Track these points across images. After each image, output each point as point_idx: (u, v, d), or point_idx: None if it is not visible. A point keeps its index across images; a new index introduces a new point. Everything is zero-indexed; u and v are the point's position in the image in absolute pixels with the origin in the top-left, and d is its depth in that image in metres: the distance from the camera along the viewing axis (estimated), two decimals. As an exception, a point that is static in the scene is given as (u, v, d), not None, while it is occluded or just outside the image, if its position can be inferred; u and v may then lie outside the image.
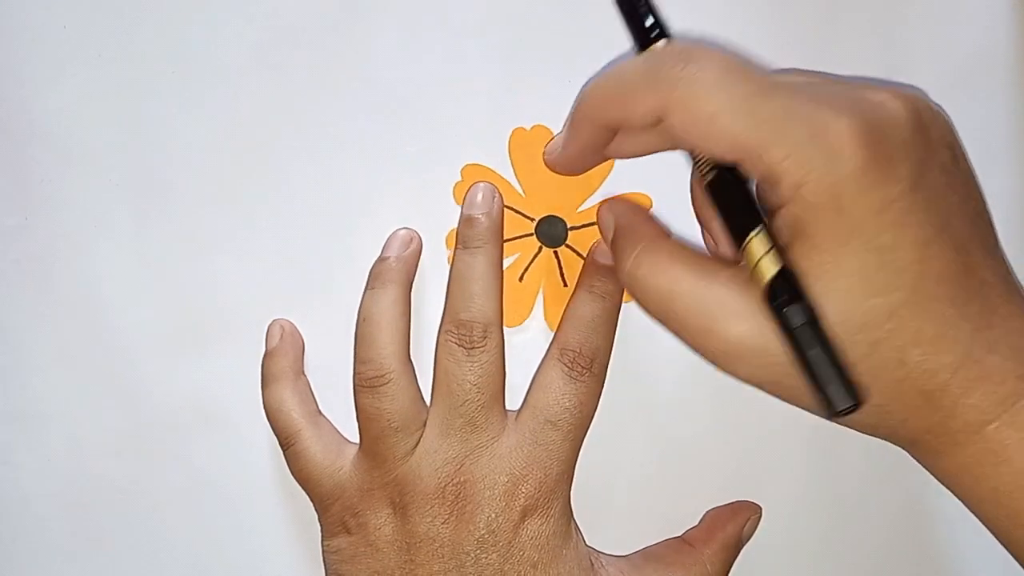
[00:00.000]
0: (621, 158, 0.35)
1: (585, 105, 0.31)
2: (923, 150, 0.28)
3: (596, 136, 0.32)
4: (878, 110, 0.28)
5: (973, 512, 0.30)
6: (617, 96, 0.30)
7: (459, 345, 0.35)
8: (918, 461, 0.31)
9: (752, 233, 0.29)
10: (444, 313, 0.36)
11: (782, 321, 0.28)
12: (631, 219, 0.33)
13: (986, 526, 0.30)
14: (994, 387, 0.28)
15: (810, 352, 0.27)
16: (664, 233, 0.32)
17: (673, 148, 0.32)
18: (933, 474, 0.30)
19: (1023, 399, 0.28)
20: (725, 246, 0.32)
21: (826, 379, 0.27)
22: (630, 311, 0.38)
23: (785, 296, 0.27)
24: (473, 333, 0.35)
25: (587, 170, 0.36)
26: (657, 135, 0.30)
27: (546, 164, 0.36)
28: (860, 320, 0.27)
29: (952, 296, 0.28)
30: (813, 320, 0.27)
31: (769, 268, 0.28)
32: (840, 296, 0.27)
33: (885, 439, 0.30)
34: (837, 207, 0.27)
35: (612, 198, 0.37)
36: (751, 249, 0.29)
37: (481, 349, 0.35)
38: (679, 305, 0.30)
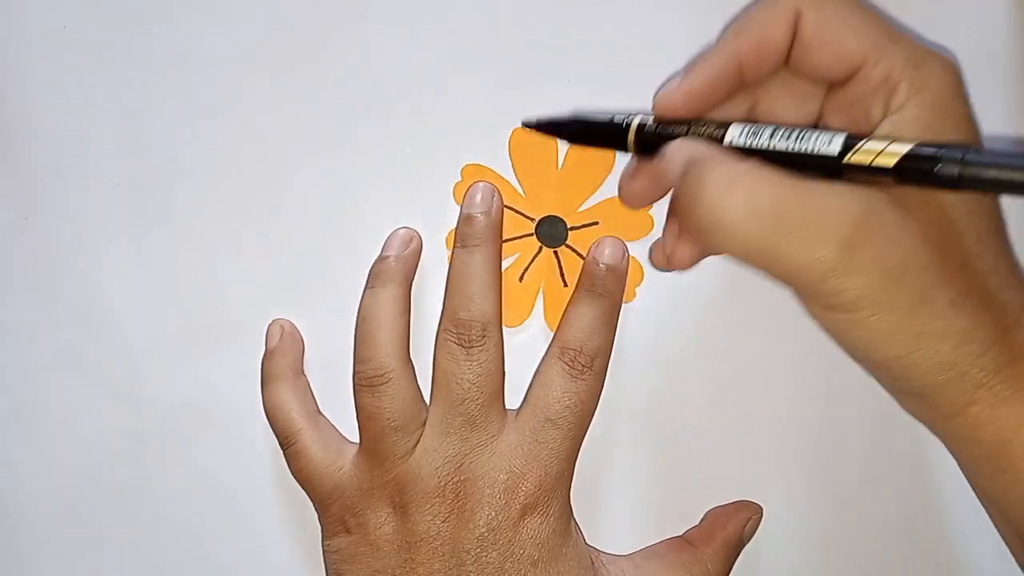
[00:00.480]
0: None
1: (727, 36, 0.32)
2: None
3: (726, 72, 0.32)
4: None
5: (1011, 478, 0.29)
6: (749, 14, 0.32)
7: (458, 344, 0.35)
8: (962, 427, 0.30)
9: (861, 142, 0.28)
10: (443, 312, 0.36)
11: (944, 172, 0.27)
12: (702, 150, 0.30)
13: (1016, 496, 0.29)
14: None
15: (996, 161, 0.26)
16: (741, 155, 0.30)
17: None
18: (979, 437, 0.29)
19: None
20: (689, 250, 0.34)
21: None
22: (630, 310, 0.38)
23: (931, 153, 0.27)
24: (472, 332, 0.35)
25: (703, 109, 0.33)
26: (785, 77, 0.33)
27: (659, 106, 0.33)
28: (958, 232, 0.29)
29: (1010, 244, 0.31)
30: (970, 150, 0.27)
31: (900, 149, 0.28)
32: (945, 202, 0.29)
33: (941, 392, 0.29)
34: (953, 115, 0.29)
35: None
36: (866, 151, 0.28)
37: (480, 348, 0.35)
38: (791, 221, 0.27)
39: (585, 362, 0.35)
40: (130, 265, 0.39)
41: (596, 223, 0.38)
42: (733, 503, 0.38)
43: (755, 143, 0.30)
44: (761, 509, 0.38)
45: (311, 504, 0.37)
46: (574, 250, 0.38)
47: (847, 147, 0.29)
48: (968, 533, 0.34)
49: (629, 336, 0.37)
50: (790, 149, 0.30)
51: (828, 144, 0.29)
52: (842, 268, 0.27)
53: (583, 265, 0.37)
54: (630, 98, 0.38)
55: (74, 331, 0.39)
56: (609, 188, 0.38)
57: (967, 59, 0.38)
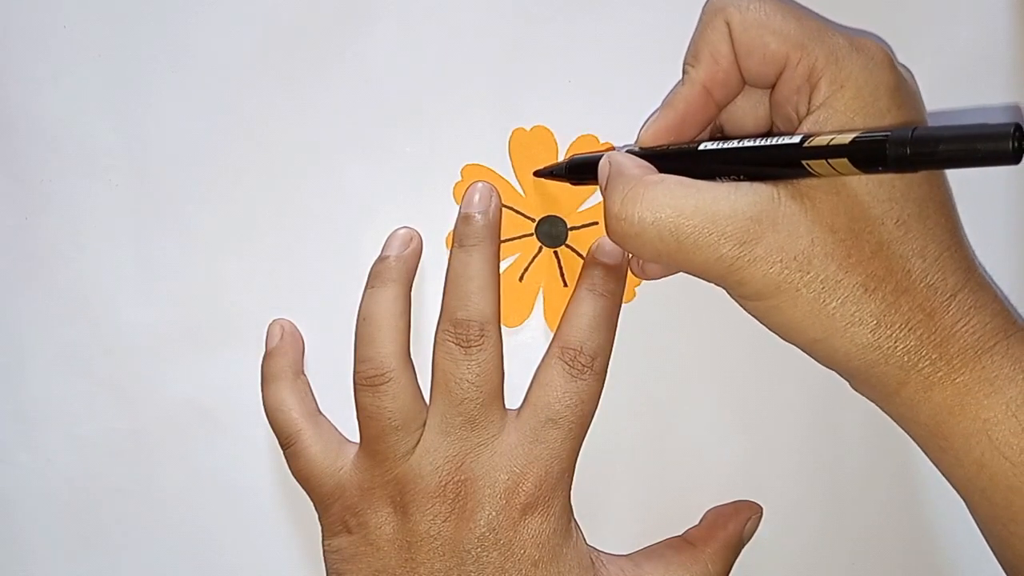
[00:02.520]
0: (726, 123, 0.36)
1: (686, 67, 0.34)
2: None
3: (696, 102, 0.34)
4: (888, 49, 0.31)
5: (951, 459, 0.30)
6: (695, 39, 0.34)
7: (456, 344, 0.35)
8: (899, 407, 0.31)
9: (808, 140, 0.29)
10: (441, 312, 0.36)
11: (894, 151, 0.26)
12: (616, 166, 0.33)
13: (960, 475, 0.30)
14: (989, 317, 0.29)
15: (948, 135, 0.25)
16: (652, 169, 0.32)
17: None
18: (915, 417, 0.30)
19: (1014, 334, 0.29)
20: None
21: (980, 136, 0.25)
22: (630, 310, 0.38)
23: (872, 137, 0.27)
24: (470, 331, 0.35)
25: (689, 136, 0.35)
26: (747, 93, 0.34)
27: (642, 142, 0.35)
28: (873, 218, 0.29)
29: (952, 229, 0.30)
30: (915, 128, 0.26)
31: (845, 138, 0.28)
32: (860, 190, 0.29)
33: (871, 373, 0.30)
34: (872, 112, 0.30)
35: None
36: (815, 145, 0.28)
37: (478, 347, 0.35)
38: (688, 227, 0.30)
39: (585, 362, 0.35)
40: (130, 265, 0.39)
41: (596, 223, 0.38)
42: (733, 503, 0.38)
43: (724, 145, 0.32)
44: (761, 509, 0.38)
45: (311, 504, 0.37)
46: (574, 250, 0.38)
47: (800, 143, 0.29)
48: (967, 532, 0.34)
49: (629, 336, 0.37)
50: (754, 144, 0.31)
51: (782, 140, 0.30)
52: (742, 263, 0.29)
53: (583, 265, 0.37)
54: (629, 98, 0.38)
55: (74, 331, 0.39)
56: (609, 188, 0.38)
57: (967, 59, 0.38)
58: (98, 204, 0.39)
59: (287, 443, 0.37)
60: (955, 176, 0.33)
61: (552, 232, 0.38)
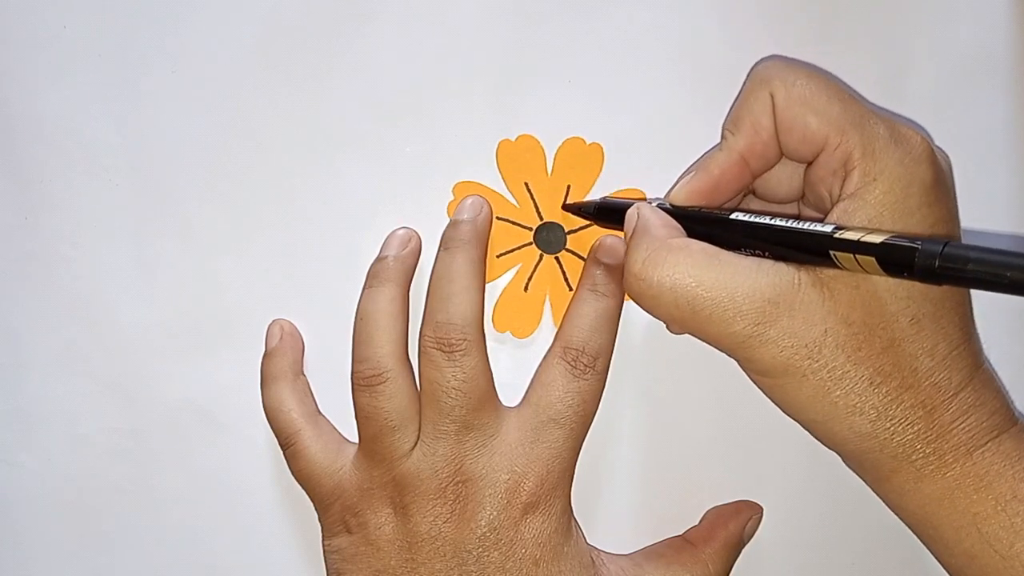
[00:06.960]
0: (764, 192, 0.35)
1: (726, 134, 0.33)
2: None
3: (731, 171, 0.33)
4: (929, 141, 0.31)
5: (941, 548, 0.31)
6: (738, 106, 0.33)
7: (438, 350, 0.35)
8: (889, 493, 0.31)
9: (838, 232, 0.29)
10: (423, 317, 0.36)
11: (923, 262, 0.26)
12: (644, 221, 0.33)
13: (953, 564, 0.31)
14: (987, 416, 0.30)
15: (977, 257, 0.26)
16: (678, 231, 0.32)
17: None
18: (904, 505, 0.31)
19: (1008, 431, 0.30)
20: None
21: (1011, 265, 0.25)
22: (632, 309, 0.38)
23: (903, 244, 0.27)
24: (451, 335, 0.35)
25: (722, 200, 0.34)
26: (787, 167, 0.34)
27: (672, 200, 0.34)
28: (888, 315, 0.29)
29: (964, 326, 0.30)
30: (947, 243, 0.26)
31: (876, 238, 0.28)
32: (879, 286, 0.29)
33: (864, 458, 0.31)
34: (902, 210, 0.29)
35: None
36: (845, 238, 0.28)
37: (462, 352, 0.35)
38: (706, 299, 0.30)
39: (587, 362, 0.35)
40: (130, 265, 0.39)
41: (592, 224, 0.38)
42: (733, 503, 0.38)
43: (754, 219, 0.31)
44: (761, 509, 0.38)
45: (311, 504, 0.37)
46: (575, 253, 0.38)
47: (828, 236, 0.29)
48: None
49: (631, 335, 0.37)
50: (786, 225, 0.31)
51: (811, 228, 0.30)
52: (753, 342, 0.30)
53: (584, 265, 0.37)
54: (628, 98, 0.38)
55: (74, 331, 0.39)
56: (602, 187, 0.38)
57: (967, 59, 0.38)
58: (98, 204, 0.39)
59: (287, 443, 0.37)
60: (956, 175, 0.33)
61: (551, 238, 0.38)
